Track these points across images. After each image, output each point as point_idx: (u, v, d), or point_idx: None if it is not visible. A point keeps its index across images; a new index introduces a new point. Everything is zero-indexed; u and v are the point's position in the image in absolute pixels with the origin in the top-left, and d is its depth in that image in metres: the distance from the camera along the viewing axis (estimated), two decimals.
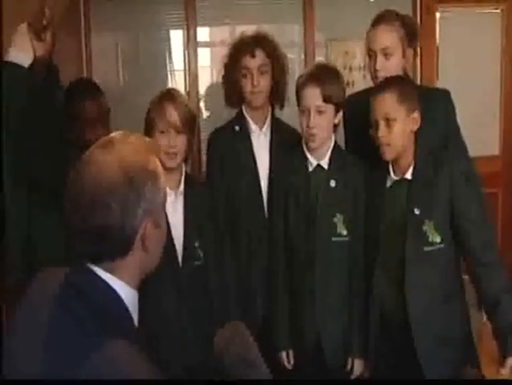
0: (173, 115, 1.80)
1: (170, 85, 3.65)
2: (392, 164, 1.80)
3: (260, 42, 2.10)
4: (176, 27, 3.69)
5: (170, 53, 3.72)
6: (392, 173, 1.80)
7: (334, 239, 1.88)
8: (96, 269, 0.96)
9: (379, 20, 1.99)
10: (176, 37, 3.74)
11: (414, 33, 2.02)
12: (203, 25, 3.72)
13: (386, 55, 1.95)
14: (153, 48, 3.71)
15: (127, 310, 0.97)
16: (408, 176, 1.78)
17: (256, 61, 2.07)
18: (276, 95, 2.16)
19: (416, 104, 1.77)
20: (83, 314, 0.92)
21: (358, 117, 1.89)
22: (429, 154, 1.78)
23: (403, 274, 1.74)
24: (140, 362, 0.90)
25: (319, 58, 3.57)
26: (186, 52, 3.60)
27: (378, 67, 1.95)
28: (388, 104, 1.74)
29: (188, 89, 3.59)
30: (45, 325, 0.93)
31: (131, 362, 0.89)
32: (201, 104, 3.70)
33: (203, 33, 3.81)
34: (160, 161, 1.74)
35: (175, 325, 1.78)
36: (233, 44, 2.16)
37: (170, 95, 1.85)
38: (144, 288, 1.71)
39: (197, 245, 1.84)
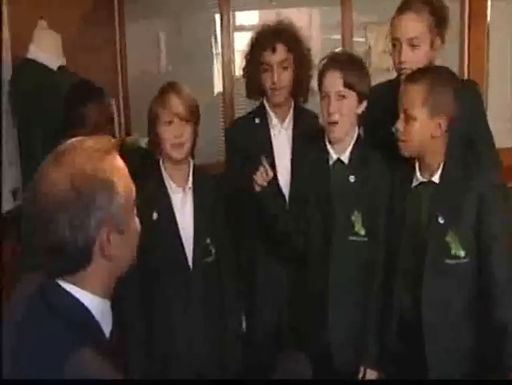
0: (177, 103, 1.77)
1: (216, 69, 3.64)
2: (418, 162, 1.68)
3: (281, 35, 2.02)
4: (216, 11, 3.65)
5: (216, 37, 3.69)
6: (418, 173, 1.68)
7: (351, 238, 1.79)
8: (60, 282, 0.96)
9: (407, 6, 1.84)
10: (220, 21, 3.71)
11: (444, 19, 1.86)
12: (245, 9, 3.67)
13: (412, 46, 1.81)
14: (195, 33, 3.69)
15: (93, 318, 0.97)
16: (436, 179, 1.65)
17: (277, 56, 2.00)
18: (298, 90, 2.08)
19: (447, 108, 1.60)
20: (50, 324, 0.92)
21: (377, 109, 1.79)
22: (460, 157, 1.65)
23: (421, 284, 1.63)
24: (105, 370, 0.90)
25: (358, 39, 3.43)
26: (229, 36, 3.56)
27: (403, 59, 1.82)
28: (411, 100, 1.61)
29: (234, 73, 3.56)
30: (16, 333, 0.95)
31: (95, 371, 0.89)
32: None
33: (245, 16, 3.76)
34: (167, 153, 1.78)
35: (186, 328, 1.78)
36: (254, 37, 2.08)
37: (171, 86, 1.82)
38: (154, 290, 1.75)
39: (208, 241, 1.83)
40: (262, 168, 1.82)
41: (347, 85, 1.75)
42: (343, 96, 1.76)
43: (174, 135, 1.77)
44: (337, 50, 3.34)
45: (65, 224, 0.91)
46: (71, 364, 0.88)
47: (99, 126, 1.87)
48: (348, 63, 1.78)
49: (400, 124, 1.64)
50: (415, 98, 1.60)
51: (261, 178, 1.82)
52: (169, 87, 1.81)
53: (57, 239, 0.92)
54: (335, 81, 1.76)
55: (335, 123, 1.77)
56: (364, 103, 1.81)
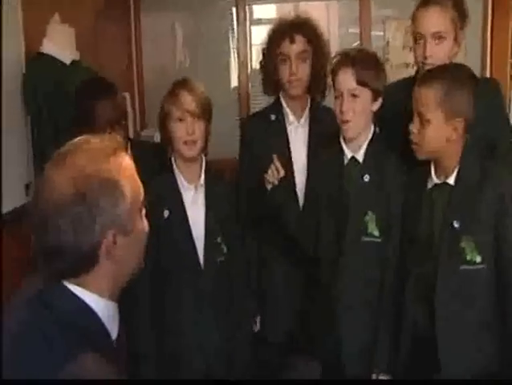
0: (189, 100, 1.75)
1: (232, 63, 3.62)
2: (434, 164, 1.62)
3: (300, 27, 1.98)
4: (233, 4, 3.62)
5: (233, 31, 3.66)
6: (433, 174, 1.62)
7: (364, 239, 1.75)
8: (66, 283, 0.94)
9: (431, 0, 1.79)
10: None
11: (464, 13, 1.81)
12: (262, 2, 3.67)
13: (438, 39, 1.77)
14: (212, 27, 3.66)
15: (99, 321, 0.95)
16: (451, 181, 1.58)
17: (295, 47, 1.97)
18: (316, 85, 2.04)
19: (464, 109, 1.53)
20: (51, 327, 0.91)
21: (395, 108, 1.73)
22: (477, 160, 1.58)
23: (435, 291, 1.57)
24: (107, 374, 0.88)
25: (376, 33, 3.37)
26: (246, 30, 3.55)
27: (428, 53, 1.77)
28: (425, 102, 1.54)
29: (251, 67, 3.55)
30: (15, 336, 0.93)
31: (96, 374, 0.87)
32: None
33: (263, 10, 3.73)
34: (179, 151, 1.76)
35: (197, 327, 1.77)
36: (272, 29, 2.05)
37: (184, 83, 1.80)
38: (165, 288, 1.74)
39: (219, 240, 1.80)
40: (272, 166, 1.80)
41: (359, 82, 1.70)
42: (357, 94, 1.71)
43: (186, 132, 1.74)
44: (354, 44, 3.30)
45: (69, 227, 0.89)
46: (72, 366, 0.86)
47: (111, 122, 1.84)
48: (361, 60, 1.73)
49: (413, 127, 1.58)
50: (429, 100, 1.53)
51: (272, 176, 1.80)
52: (181, 84, 1.79)
53: (61, 242, 0.90)
54: (347, 79, 1.71)
55: (349, 121, 1.73)
56: (379, 101, 1.76)
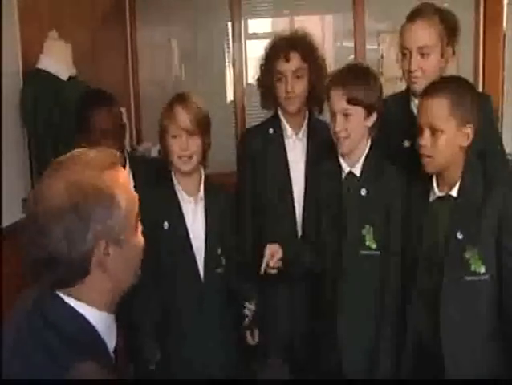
0: (184, 117, 1.76)
1: (228, 77, 3.65)
2: (436, 176, 1.63)
3: (295, 44, 1.99)
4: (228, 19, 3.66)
5: (228, 45, 3.70)
6: (435, 187, 1.63)
7: (362, 252, 1.76)
8: (61, 294, 0.95)
9: (416, 15, 1.81)
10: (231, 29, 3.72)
11: (454, 29, 1.83)
12: (257, 16, 3.70)
13: (422, 54, 1.78)
14: (208, 42, 3.70)
15: (95, 332, 0.96)
16: (454, 193, 1.59)
17: (291, 65, 1.98)
18: (313, 100, 2.05)
19: (471, 116, 1.55)
20: (48, 338, 0.91)
21: (388, 123, 1.76)
22: (479, 171, 1.59)
23: (439, 302, 1.58)
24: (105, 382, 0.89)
25: (371, 47, 3.40)
26: (241, 44, 3.58)
27: (413, 67, 1.78)
28: (437, 112, 1.54)
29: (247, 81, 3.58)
30: (14, 348, 0.93)
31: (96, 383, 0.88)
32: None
33: (258, 24, 3.77)
34: (175, 166, 1.78)
35: (197, 337, 1.77)
36: (268, 46, 2.07)
37: (181, 98, 1.81)
38: (167, 300, 1.75)
39: (219, 252, 1.81)
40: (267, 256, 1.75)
41: (351, 102, 1.72)
42: (349, 113, 1.73)
43: (181, 148, 1.76)
44: (349, 57, 3.33)
45: (62, 236, 0.90)
46: (71, 376, 0.86)
47: (106, 133, 1.85)
48: (352, 79, 1.74)
49: (423, 140, 1.57)
50: (441, 110, 1.54)
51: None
52: (178, 100, 1.80)
53: (54, 251, 0.91)
54: (338, 99, 1.73)
55: (343, 138, 1.75)
56: (374, 115, 1.76)
